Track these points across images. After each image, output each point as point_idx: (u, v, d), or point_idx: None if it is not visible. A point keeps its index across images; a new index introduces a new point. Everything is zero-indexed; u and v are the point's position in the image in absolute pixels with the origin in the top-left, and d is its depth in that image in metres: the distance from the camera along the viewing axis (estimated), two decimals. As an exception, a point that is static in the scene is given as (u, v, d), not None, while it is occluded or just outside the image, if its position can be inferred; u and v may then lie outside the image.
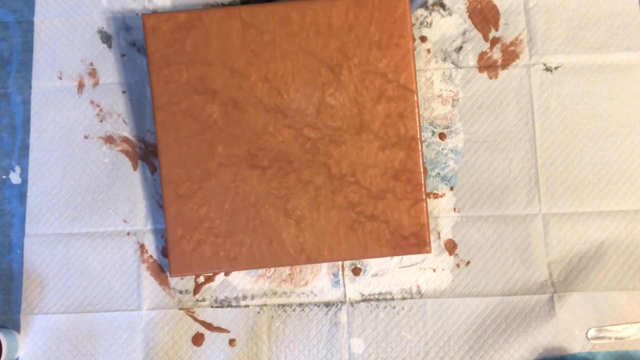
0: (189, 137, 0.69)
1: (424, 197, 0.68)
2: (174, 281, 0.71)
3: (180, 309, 0.71)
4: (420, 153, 0.69)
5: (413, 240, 0.68)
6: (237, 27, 0.68)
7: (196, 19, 0.69)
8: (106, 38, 0.77)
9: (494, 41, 0.76)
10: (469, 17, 0.76)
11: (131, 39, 0.76)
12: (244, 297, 0.71)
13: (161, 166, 0.69)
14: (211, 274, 0.71)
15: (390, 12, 0.69)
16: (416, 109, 0.69)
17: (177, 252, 0.68)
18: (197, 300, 0.71)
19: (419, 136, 0.69)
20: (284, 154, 0.69)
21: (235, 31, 0.68)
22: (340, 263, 0.71)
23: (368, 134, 0.69)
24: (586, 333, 0.68)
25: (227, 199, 0.68)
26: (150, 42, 0.69)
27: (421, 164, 0.69)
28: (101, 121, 0.75)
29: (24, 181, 0.74)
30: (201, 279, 0.71)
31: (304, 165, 0.69)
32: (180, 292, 0.71)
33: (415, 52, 0.73)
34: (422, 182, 0.69)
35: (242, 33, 0.68)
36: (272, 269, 0.71)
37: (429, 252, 0.68)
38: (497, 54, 0.75)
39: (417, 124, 0.69)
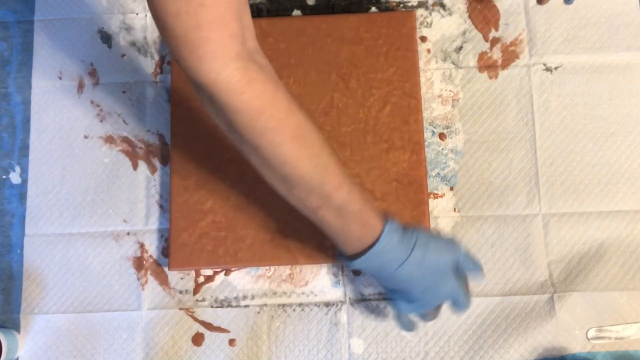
0: (201, 133, 0.70)
1: (426, 200, 0.69)
2: (174, 281, 0.71)
3: (180, 309, 0.71)
4: (423, 157, 0.70)
5: None
6: (257, 35, 0.71)
7: None
8: (106, 38, 0.77)
9: (494, 41, 0.76)
10: (469, 17, 0.76)
11: (131, 39, 0.76)
12: (244, 297, 0.71)
13: (172, 159, 0.70)
14: (211, 274, 0.71)
15: (398, 28, 0.73)
16: (420, 116, 0.71)
17: (179, 245, 0.68)
18: (197, 300, 0.71)
19: (422, 141, 0.70)
20: None
21: None
22: (340, 263, 0.71)
23: (373, 137, 0.70)
24: (586, 333, 0.68)
25: (232, 193, 0.69)
26: None
27: (424, 168, 0.69)
28: (101, 121, 0.75)
29: (24, 181, 0.74)
30: (201, 278, 0.71)
31: None
32: (180, 292, 0.71)
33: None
34: (425, 186, 0.69)
35: (260, 40, 0.72)
36: (272, 269, 0.71)
37: None
38: (497, 54, 0.75)
39: (421, 129, 0.70)
